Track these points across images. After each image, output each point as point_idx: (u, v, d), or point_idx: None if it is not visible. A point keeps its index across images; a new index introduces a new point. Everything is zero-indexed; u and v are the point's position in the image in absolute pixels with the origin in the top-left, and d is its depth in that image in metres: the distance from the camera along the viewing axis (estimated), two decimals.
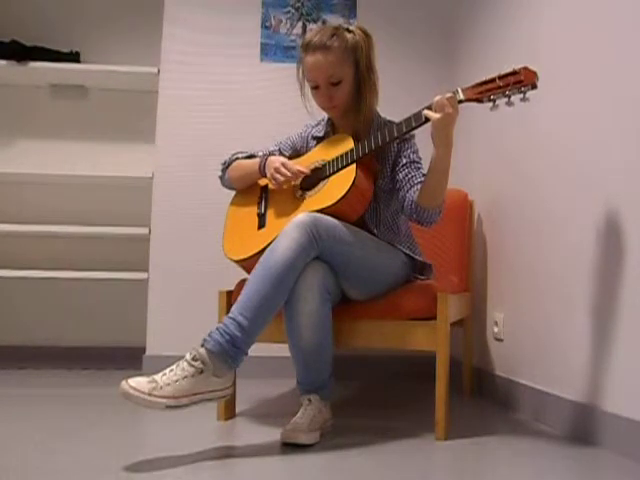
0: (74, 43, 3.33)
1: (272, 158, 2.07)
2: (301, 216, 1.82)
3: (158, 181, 3.07)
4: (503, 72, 1.76)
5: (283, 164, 2.01)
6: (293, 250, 1.76)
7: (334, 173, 1.99)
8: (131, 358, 3.09)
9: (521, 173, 2.35)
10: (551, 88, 2.05)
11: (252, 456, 1.65)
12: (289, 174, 1.99)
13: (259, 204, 2.14)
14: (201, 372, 1.63)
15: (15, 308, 3.35)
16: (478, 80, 1.81)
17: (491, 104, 1.79)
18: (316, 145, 2.15)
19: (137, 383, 1.57)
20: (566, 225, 2.02)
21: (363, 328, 1.97)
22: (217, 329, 1.70)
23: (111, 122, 3.42)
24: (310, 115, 2.15)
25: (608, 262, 1.80)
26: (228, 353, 1.67)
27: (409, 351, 1.97)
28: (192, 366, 1.63)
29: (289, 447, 1.73)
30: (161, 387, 1.58)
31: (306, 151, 2.17)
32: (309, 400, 1.87)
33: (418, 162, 2.05)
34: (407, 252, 2.07)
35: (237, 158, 2.21)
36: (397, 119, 1.96)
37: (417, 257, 2.10)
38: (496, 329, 2.50)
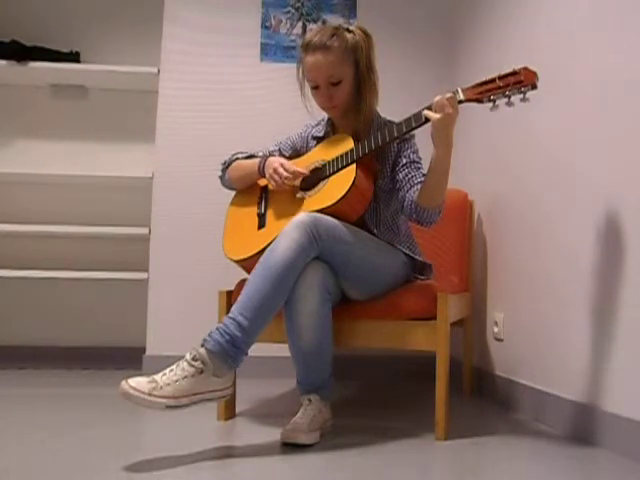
0: (74, 43, 3.33)
1: (271, 159, 2.07)
2: (301, 216, 1.82)
3: (158, 181, 3.07)
4: (503, 72, 1.76)
5: (282, 165, 2.01)
6: (293, 250, 1.76)
7: (334, 173, 1.99)
8: (131, 358, 3.09)
9: (521, 173, 2.35)
10: (551, 88, 2.05)
11: (252, 456, 1.65)
12: (286, 174, 1.98)
13: (259, 204, 2.14)
14: (201, 372, 1.63)
15: (15, 308, 3.35)
16: (478, 80, 1.81)
17: (491, 104, 1.79)
18: (316, 145, 2.15)
19: (137, 383, 1.57)
20: (566, 225, 2.02)
21: (363, 328, 1.97)
22: (217, 329, 1.70)
23: (111, 122, 3.42)
24: (310, 115, 2.15)
25: (607, 262, 1.80)
26: (228, 353, 1.67)
27: (409, 351, 1.97)
28: (192, 366, 1.63)
29: (289, 447, 1.73)
30: (161, 387, 1.58)
31: (306, 151, 2.17)
32: (309, 400, 1.87)
33: (418, 162, 2.05)
34: (407, 252, 2.07)
35: (237, 158, 2.22)
36: (397, 119, 1.97)
37: (417, 257, 2.10)
38: (496, 329, 2.50)
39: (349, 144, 2.00)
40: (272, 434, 1.84)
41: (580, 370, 1.90)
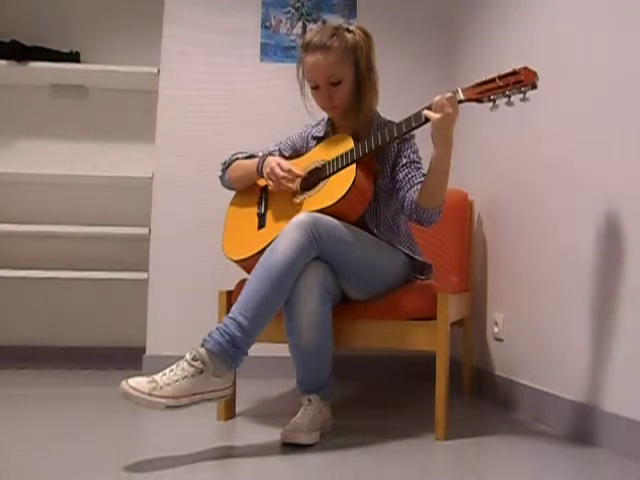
0: (74, 43, 3.33)
1: (269, 158, 2.07)
2: (301, 216, 1.82)
3: (158, 181, 3.07)
4: (503, 72, 1.76)
5: (278, 164, 2.01)
6: (293, 250, 1.76)
7: (334, 173, 1.99)
8: (131, 358, 3.09)
9: (521, 173, 2.35)
10: (551, 88, 2.05)
11: (252, 456, 1.66)
12: (282, 174, 1.98)
13: (259, 204, 2.14)
14: (201, 372, 1.63)
15: (15, 308, 3.35)
16: (478, 80, 1.81)
17: (491, 104, 1.79)
18: (316, 145, 2.15)
19: (137, 383, 1.57)
20: (566, 225, 2.02)
21: (363, 328, 1.97)
22: (217, 329, 1.70)
23: (111, 122, 3.42)
24: (310, 115, 2.15)
25: (607, 262, 1.80)
26: (228, 353, 1.67)
27: (409, 351, 1.97)
28: (192, 366, 1.63)
29: (289, 447, 1.73)
30: (161, 387, 1.58)
31: (306, 151, 2.17)
32: (309, 400, 1.87)
33: (418, 162, 2.05)
34: (407, 252, 2.07)
35: (237, 158, 2.21)
36: (397, 119, 1.96)
37: (417, 257, 2.10)
38: (496, 329, 2.50)
39: (349, 144, 2.00)
40: (272, 434, 1.84)
41: (580, 370, 1.90)
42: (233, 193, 2.26)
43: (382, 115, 2.13)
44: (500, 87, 1.75)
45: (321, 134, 2.16)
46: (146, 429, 1.99)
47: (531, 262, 2.24)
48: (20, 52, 3.08)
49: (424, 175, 1.97)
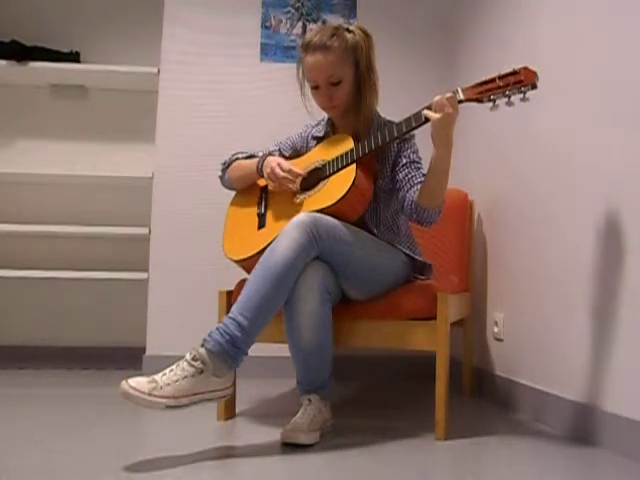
0: (74, 43, 3.33)
1: (269, 158, 2.07)
2: (301, 216, 1.82)
3: (158, 181, 3.07)
4: (503, 72, 1.76)
5: (279, 164, 2.00)
6: (293, 250, 1.76)
7: (334, 173, 1.99)
8: (131, 358, 3.09)
9: (521, 173, 2.35)
10: (551, 88, 2.05)
11: (252, 456, 1.65)
12: (282, 174, 1.98)
13: (259, 204, 2.14)
14: (201, 372, 1.63)
15: (15, 308, 3.35)
16: (478, 80, 1.81)
17: (491, 104, 1.79)
18: (316, 145, 2.15)
19: (137, 383, 1.57)
20: (566, 225, 2.02)
21: (363, 328, 1.97)
22: (217, 329, 1.70)
23: (111, 122, 3.42)
24: (310, 115, 2.15)
25: (607, 262, 1.80)
26: (228, 353, 1.67)
27: (409, 351, 1.97)
28: (192, 366, 1.63)
29: (289, 447, 1.73)
30: (161, 387, 1.58)
31: (306, 151, 2.17)
32: (309, 400, 1.87)
33: (418, 162, 2.05)
34: (407, 252, 2.07)
35: (237, 158, 2.21)
36: (397, 119, 1.96)
37: (417, 257, 2.09)
38: (496, 329, 2.50)
39: (349, 144, 2.00)
40: (272, 434, 1.84)
41: (580, 370, 1.90)
42: (233, 193, 2.26)
43: (382, 115, 2.13)
44: (500, 87, 1.75)
45: (321, 134, 2.16)
46: (146, 429, 1.99)
47: (531, 262, 2.24)
48: (20, 52, 3.08)
49: (424, 175, 1.97)
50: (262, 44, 3.14)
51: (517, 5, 2.44)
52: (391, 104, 2.26)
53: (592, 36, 1.90)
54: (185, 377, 1.61)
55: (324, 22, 3.12)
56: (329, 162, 2.01)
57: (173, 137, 3.08)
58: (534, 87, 1.72)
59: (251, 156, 2.19)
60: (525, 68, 1.73)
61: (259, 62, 3.14)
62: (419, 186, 1.96)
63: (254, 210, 2.13)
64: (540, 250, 2.18)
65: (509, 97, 1.75)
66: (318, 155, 2.08)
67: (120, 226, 3.17)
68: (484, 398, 2.56)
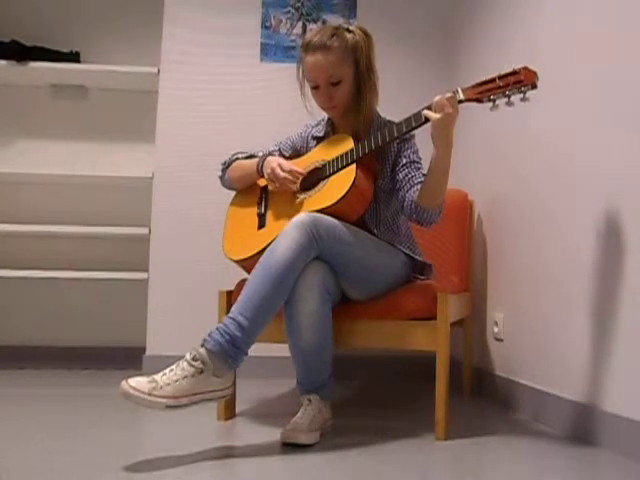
0: (74, 43, 3.33)
1: (269, 158, 2.06)
2: (301, 216, 1.82)
3: (158, 181, 3.07)
4: (503, 72, 1.76)
5: (279, 165, 2.00)
6: (293, 250, 1.76)
7: (334, 173, 1.99)
8: (131, 358, 3.09)
9: (521, 173, 2.35)
10: (551, 88, 2.05)
11: (252, 456, 1.65)
12: (283, 175, 1.98)
13: (259, 204, 2.14)
14: (201, 372, 1.63)
15: (15, 308, 3.35)
16: (478, 80, 1.81)
17: (491, 104, 1.79)
18: (316, 145, 2.15)
19: (137, 383, 1.57)
20: (566, 225, 2.02)
21: (363, 328, 1.97)
22: (217, 329, 1.70)
23: (111, 122, 3.42)
24: (310, 115, 2.15)
25: (607, 262, 1.80)
26: (228, 353, 1.67)
27: (409, 351, 1.97)
28: (192, 366, 1.63)
29: (289, 447, 1.73)
30: (161, 387, 1.58)
31: (306, 151, 2.17)
32: (309, 400, 1.87)
33: (418, 162, 2.05)
34: (407, 252, 2.07)
35: (237, 158, 2.21)
36: (397, 119, 1.96)
37: (417, 257, 2.09)
38: (496, 329, 2.50)
39: (349, 144, 2.00)
40: (272, 434, 1.84)
41: (580, 370, 1.90)
42: (233, 193, 2.26)
43: (382, 115, 2.13)
44: (500, 87, 1.75)
45: (321, 134, 2.16)
46: (146, 429, 1.99)
47: (531, 262, 2.24)
48: (20, 52, 3.08)
49: (424, 175, 1.97)
50: (262, 44, 3.14)
51: (517, 5, 2.44)
52: (391, 104, 2.26)
53: (592, 36, 1.90)
54: (185, 377, 1.61)
55: (324, 22, 3.12)
56: (329, 162, 2.01)
57: (173, 137, 3.08)
58: (534, 87, 1.72)
59: (251, 156, 2.19)
60: (525, 68, 1.73)
61: (259, 62, 3.14)
62: (419, 186, 1.96)
63: (254, 210, 2.13)
64: (540, 250, 2.18)
65: (509, 97, 1.75)
66: (318, 155, 2.08)
67: (120, 226, 3.16)
68: (484, 398, 2.56)
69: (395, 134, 1.92)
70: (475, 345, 2.71)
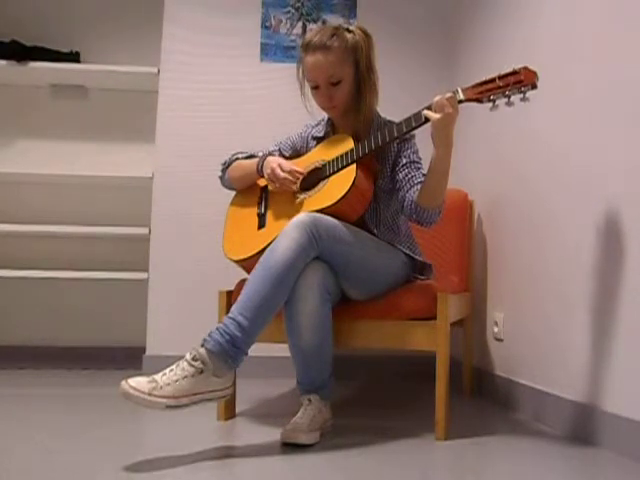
0: (74, 43, 3.33)
1: (269, 158, 2.06)
2: (301, 216, 1.82)
3: (158, 181, 3.07)
4: (503, 72, 1.76)
5: (279, 165, 2.00)
6: (293, 250, 1.76)
7: (334, 173, 1.99)
8: (131, 358, 3.09)
9: (521, 173, 2.35)
10: (551, 88, 2.05)
11: (252, 456, 1.65)
12: (283, 175, 1.98)
13: (259, 204, 2.14)
14: (201, 372, 1.63)
15: (15, 308, 3.35)
16: (478, 80, 1.81)
17: (491, 104, 1.79)
18: (316, 145, 2.15)
19: (137, 383, 1.57)
20: (566, 225, 2.02)
21: (363, 328, 1.97)
22: (217, 329, 1.70)
23: (111, 122, 3.42)
24: (310, 115, 2.15)
25: (607, 262, 1.80)
26: (228, 353, 1.67)
27: (409, 351, 1.97)
28: (192, 366, 1.63)
29: (289, 447, 1.73)
30: (161, 387, 1.58)
31: (306, 151, 2.17)
32: (309, 400, 1.87)
33: (418, 162, 2.05)
34: (407, 252, 2.07)
35: (237, 158, 2.21)
36: (397, 119, 1.96)
37: (417, 257, 2.09)
38: (496, 329, 2.50)
39: (349, 144, 2.00)
40: (272, 434, 1.84)
41: (580, 370, 1.90)
42: (233, 193, 2.26)
43: (382, 115, 2.13)
44: (500, 87, 1.75)
45: (321, 134, 2.16)
46: (146, 429, 1.99)
47: (531, 262, 2.24)
48: (20, 52, 3.08)
49: (424, 175, 1.97)
50: (262, 44, 3.14)
51: (517, 5, 2.44)
52: (391, 104, 2.26)
53: (591, 36, 1.90)
54: (185, 377, 1.61)
55: (324, 22, 3.12)
56: (329, 162, 2.01)
57: (173, 137, 3.08)
58: (534, 87, 1.72)
59: (251, 156, 2.19)
60: (525, 68, 1.73)
61: (259, 62, 3.14)
62: (419, 186, 1.96)
63: (254, 210, 2.13)
64: (540, 250, 2.18)
65: (509, 97, 1.75)
66: (318, 155, 2.08)
67: (120, 226, 3.16)
68: (484, 398, 2.56)
69: (395, 134, 1.92)
70: (475, 345, 2.71)
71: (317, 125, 2.21)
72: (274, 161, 2.03)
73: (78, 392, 2.52)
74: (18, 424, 1.94)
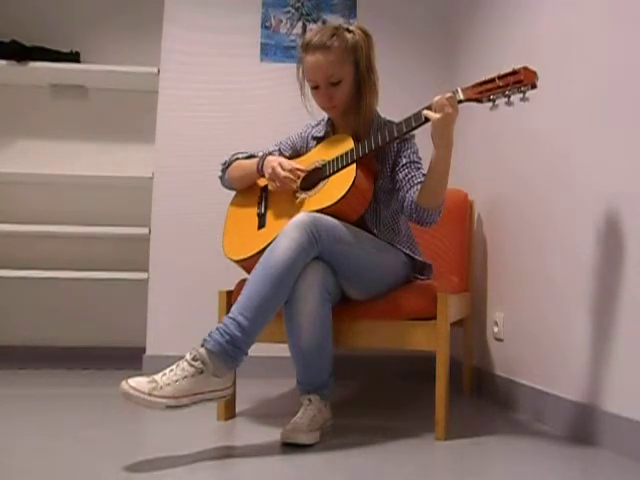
0: (74, 43, 3.33)
1: (270, 158, 2.07)
2: (301, 216, 1.82)
3: (158, 181, 3.07)
4: (503, 72, 1.75)
5: (280, 164, 2.01)
6: (293, 250, 1.76)
7: (334, 173, 1.99)
8: (131, 358, 3.09)
9: (521, 173, 2.35)
10: (551, 88, 2.05)
11: (252, 456, 1.65)
12: (284, 174, 1.98)
13: (259, 204, 2.14)
14: (201, 372, 1.63)
15: (15, 308, 3.35)
16: (478, 80, 1.81)
17: (491, 104, 1.79)
18: (316, 145, 2.15)
19: (137, 383, 1.57)
20: (566, 225, 2.02)
21: (363, 328, 1.97)
22: (217, 329, 1.70)
23: (111, 122, 3.42)
24: (310, 115, 2.15)
25: (607, 262, 1.80)
26: (228, 353, 1.67)
27: (409, 351, 1.97)
28: (192, 366, 1.63)
29: (289, 447, 1.73)
30: (161, 387, 1.58)
31: (306, 151, 2.17)
32: (309, 400, 1.87)
33: (418, 162, 2.05)
34: (407, 252, 2.07)
35: (237, 158, 2.21)
36: (397, 119, 1.96)
37: (417, 257, 2.10)
38: (496, 329, 2.50)
39: (349, 144, 2.00)
40: (272, 434, 1.84)
41: (580, 370, 1.90)
42: (233, 193, 2.26)
43: (382, 115, 2.13)
44: (500, 87, 1.75)
45: (321, 134, 2.16)
46: (146, 429, 1.99)
47: (531, 262, 2.24)
48: (20, 52, 3.08)
49: (424, 175, 1.97)
50: (262, 44, 3.14)
51: (517, 5, 2.44)
52: (391, 104, 2.26)
53: (591, 36, 1.90)
54: (185, 377, 1.61)
55: (324, 22, 3.12)
56: (329, 162, 2.01)
57: (173, 137, 3.08)
58: (534, 87, 1.72)
59: (251, 156, 2.19)
60: (525, 68, 1.73)
61: (259, 62, 3.14)
62: (419, 186, 1.96)
63: (254, 210, 2.13)
64: (540, 250, 2.18)
65: (509, 97, 1.75)
66: (318, 155, 2.08)
67: (120, 226, 3.17)
68: (484, 398, 2.56)
69: (395, 134, 1.92)
70: (475, 345, 2.71)
71: (317, 125, 2.21)
72: (274, 160, 2.03)
73: (78, 392, 2.52)
74: (18, 424, 1.94)
